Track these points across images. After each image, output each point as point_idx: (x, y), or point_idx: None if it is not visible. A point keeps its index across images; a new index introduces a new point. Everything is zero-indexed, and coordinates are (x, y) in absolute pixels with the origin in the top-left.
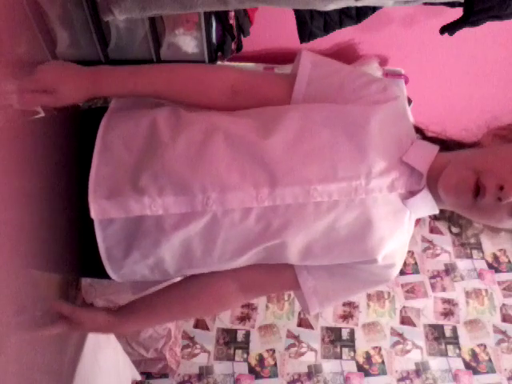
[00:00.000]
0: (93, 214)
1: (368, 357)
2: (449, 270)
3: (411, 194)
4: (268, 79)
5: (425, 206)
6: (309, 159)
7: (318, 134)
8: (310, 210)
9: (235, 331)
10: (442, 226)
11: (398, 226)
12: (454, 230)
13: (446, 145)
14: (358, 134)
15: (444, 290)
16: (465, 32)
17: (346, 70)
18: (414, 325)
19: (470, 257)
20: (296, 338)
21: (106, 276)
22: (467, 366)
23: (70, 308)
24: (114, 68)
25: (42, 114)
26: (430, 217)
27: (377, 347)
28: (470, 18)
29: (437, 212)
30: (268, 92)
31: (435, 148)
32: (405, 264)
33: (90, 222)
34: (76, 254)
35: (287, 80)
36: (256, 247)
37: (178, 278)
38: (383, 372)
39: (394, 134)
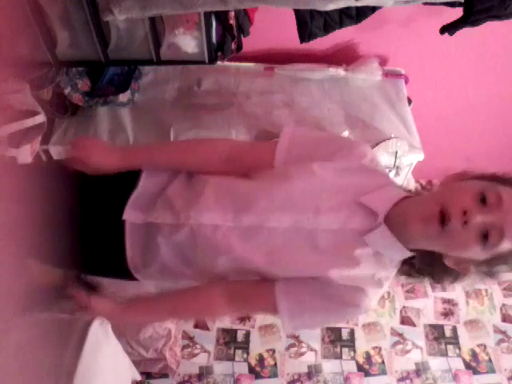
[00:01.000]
0: (125, 216)
1: (368, 357)
2: None
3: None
4: (255, 148)
5: (385, 242)
6: (268, 194)
7: (285, 179)
8: (265, 233)
9: (235, 331)
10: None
11: (348, 259)
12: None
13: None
14: (314, 177)
15: (444, 290)
16: (465, 32)
17: (319, 139)
18: (414, 325)
19: None
20: (296, 338)
21: (130, 276)
22: (467, 366)
23: (86, 296)
24: (137, 148)
25: (42, 114)
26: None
27: (377, 347)
28: (470, 18)
29: (408, 254)
30: (256, 158)
31: (401, 194)
32: None
33: (120, 229)
34: (105, 256)
35: (270, 148)
36: (225, 256)
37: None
38: (383, 372)
39: (354, 179)
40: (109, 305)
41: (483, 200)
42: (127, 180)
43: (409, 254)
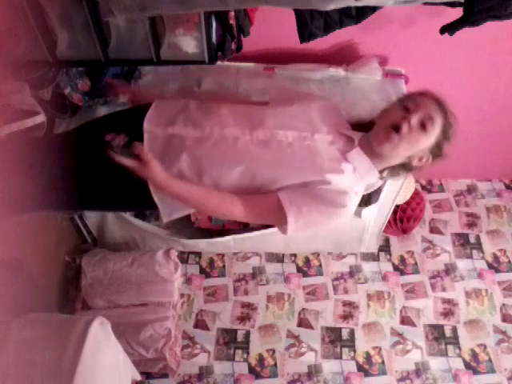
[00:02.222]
0: (145, 127)
1: (368, 357)
2: (449, 269)
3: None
4: (252, 103)
5: (362, 161)
6: (276, 116)
7: (285, 109)
8: (274, 145)
9: (235, 331)
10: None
11: (338, 168)
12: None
13: (365, 127)
14: (308, 110)
15: (444, 289)
16: (465, 32)
17: (300, 91)
18: (414, 325)
19: (470, 257)
20: (296, 337)
21: (149, 197)
22: (467, 366)
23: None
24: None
25: (42, 114)
26: None
27: (377, 347)
28: (470, 18)
29: (375, 171)
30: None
31: (361, 133)
32: (405, 264)
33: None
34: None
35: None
36: (242, 164)
37: None
38: (383, 372)
39: (333, 117)
40: (165, 173)
41: (408, 108)
42: (140, 111)
43: (376, 172)
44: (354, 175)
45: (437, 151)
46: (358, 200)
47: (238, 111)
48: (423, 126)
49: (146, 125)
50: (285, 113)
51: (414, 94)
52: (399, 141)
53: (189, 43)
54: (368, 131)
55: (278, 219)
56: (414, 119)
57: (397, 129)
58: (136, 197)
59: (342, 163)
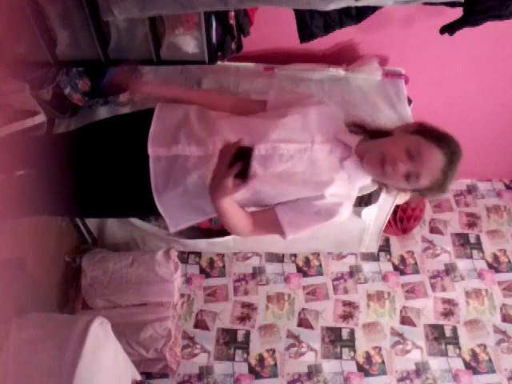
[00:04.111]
0: (149, 152)
1: (368, 357)
2: (449, 269)
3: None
4: (251, 101)
5: (357, 169)
6: (276, 128)
7: (284, 120)
8: (275, 159)
9: (235, 331)
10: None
11: (336, 178)
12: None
13: (370, 134)
14: (306, 119)
15: (444, 290)
16: (465, 32)
17: (297, 92)
18: (414, 325)
19: (470, 257)
20: (296, 337)
21: (153, 207)
22: (467, 366)
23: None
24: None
25: (42, 114)
26: None
27: (377, 347)
28: (470, 18)
29: (368, 180)
30: (252, 108)
31: (358, 138)
32: (405, 264)
33: (145, 162)
34: (133, 190)
35: (262, 102)
36: None
37: None
38: (383, 372)
39: (331, 123)
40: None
41: (408, 152)
42: (141, 120)
43: (368, 180)
44: (349, 181)
45: (421, 195)
46: (351, 203)
47: (239, 125)
48: (407, 177)
49: (150, 149)
50: (284, 125)
51: (433, 135)
52: (380, 173)
53: (189, 43)
54: (376, 138)
55: (278, 233)
56: (401, 168)
57: (383, 163)
58: (138, 204)
59: (339, 172)
